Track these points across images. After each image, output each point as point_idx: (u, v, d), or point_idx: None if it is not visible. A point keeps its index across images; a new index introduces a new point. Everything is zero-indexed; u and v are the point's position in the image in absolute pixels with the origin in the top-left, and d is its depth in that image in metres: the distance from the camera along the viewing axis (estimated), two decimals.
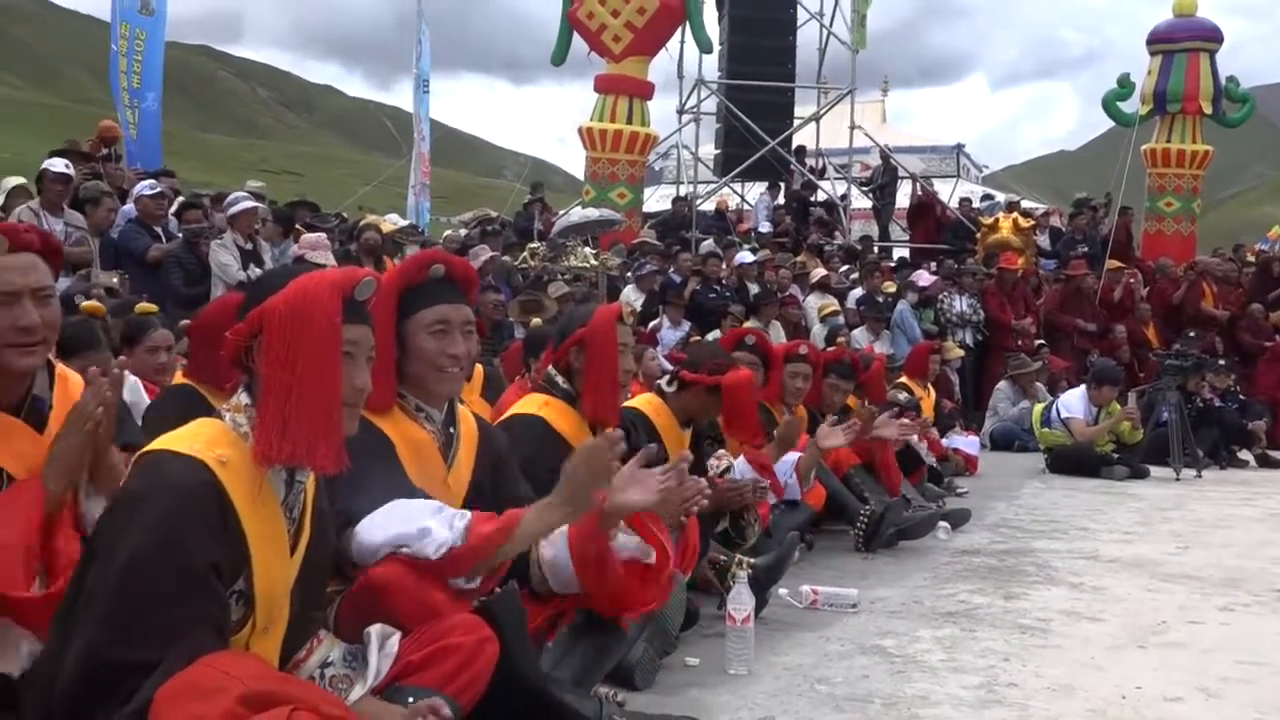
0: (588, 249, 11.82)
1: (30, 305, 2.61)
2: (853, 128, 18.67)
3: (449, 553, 2.58)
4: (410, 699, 2.30)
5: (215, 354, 2.51)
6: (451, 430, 3.10)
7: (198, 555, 2.10)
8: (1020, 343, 12.88)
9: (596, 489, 2.69)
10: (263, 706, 1.95)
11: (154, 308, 5.42)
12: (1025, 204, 19.83)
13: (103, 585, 2.09)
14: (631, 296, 11.58)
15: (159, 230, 9.58)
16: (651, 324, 11.06)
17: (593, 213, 13.09)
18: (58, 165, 8.94)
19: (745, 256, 13.19)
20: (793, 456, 5.53)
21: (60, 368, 2.88)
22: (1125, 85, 17.41)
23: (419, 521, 2.68)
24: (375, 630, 2.31)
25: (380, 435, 2.91)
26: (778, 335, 11.00)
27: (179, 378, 4.39)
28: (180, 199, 10.71)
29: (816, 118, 19.52)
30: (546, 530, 2.76)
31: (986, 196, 20.55)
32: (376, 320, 2.55)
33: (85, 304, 4.60)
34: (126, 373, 3.71)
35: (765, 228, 17.04)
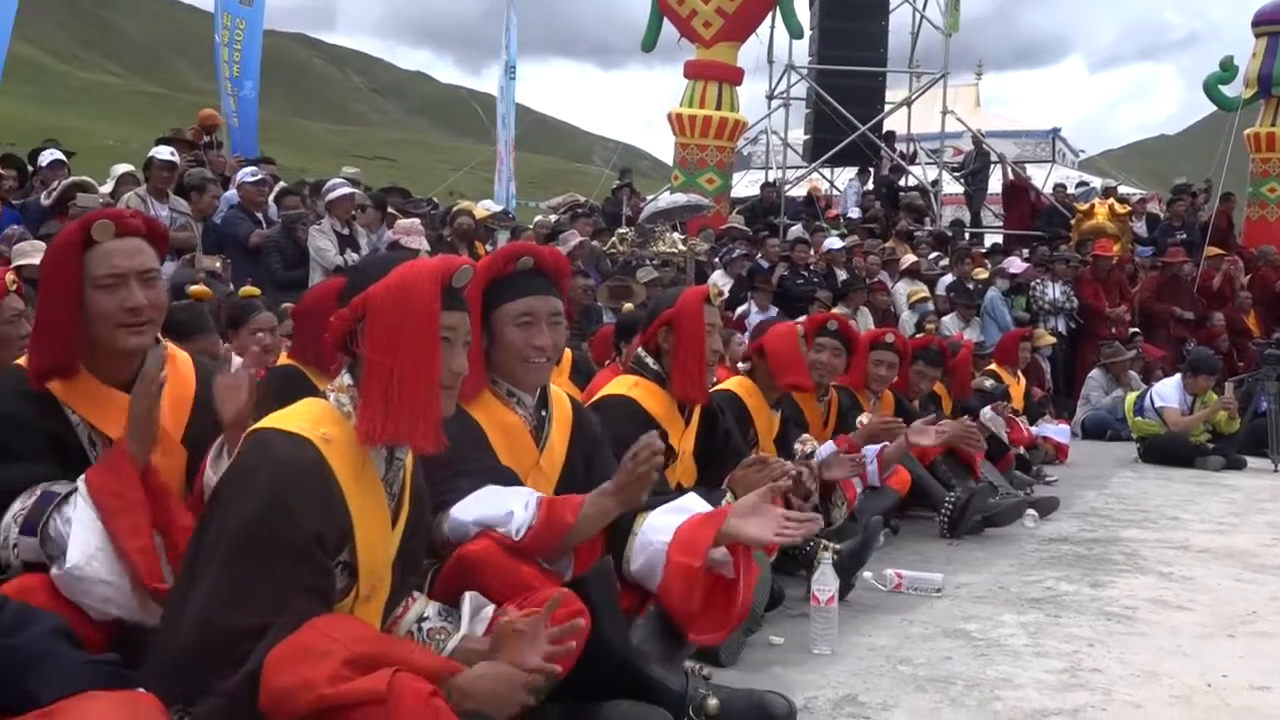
0: (676, 234, 11.90)
1: (137, 287, 2.77)
2: (945, 112, 18.46)
3: (529, 532, 2.69)
4: None
5: (318, 336, 2.64)
6: (544, 413, 3.21)
7: (303, 526, 2.22)
8: (1114, 331, 12.67)
9: (645, 483, 2.81)
10: (368, 669, 2.07)
11: (257, 292, 5.63)
12: (1122, 190, 19.45)
13: (215, 553, 2.22)
14: (719, 281, 11.62)
15: (260, 216, 9.87)
16: (739, 309, 11.11)
17: (681, 198, 13.15)
18: (163, 153, 9.24)
19: (834, 243, 13.15)
20: (874, 447, 5.57)
21: (170, 346, 3.03)
22: (1228, 68, 16.95)
23: (505, 504, 2.81)
24: (470, 595, 2.42)
25: (471, 422, 3.02)
26: (866, 322, 10.98)
27: (283, 359, 4.55)
28: (279, 185, 11.01)
29: (908, 103, 19.35)
30: (604, 519, 2.87)
31: (1082, 183, 20.13)
32: None
33: (193, 289, 4.81)
34: (233, 354, 3.90)
35: (854, 213, 16.97)
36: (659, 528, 3.25)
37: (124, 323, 2.75)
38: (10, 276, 3.62)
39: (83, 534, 2.55)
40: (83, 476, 2.64)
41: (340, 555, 2.33)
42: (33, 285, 3.57)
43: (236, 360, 4.70)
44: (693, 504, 3.24)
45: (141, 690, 2.02)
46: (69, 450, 2.76)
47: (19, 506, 2.63)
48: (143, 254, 2.80)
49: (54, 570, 2.54)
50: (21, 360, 2.87)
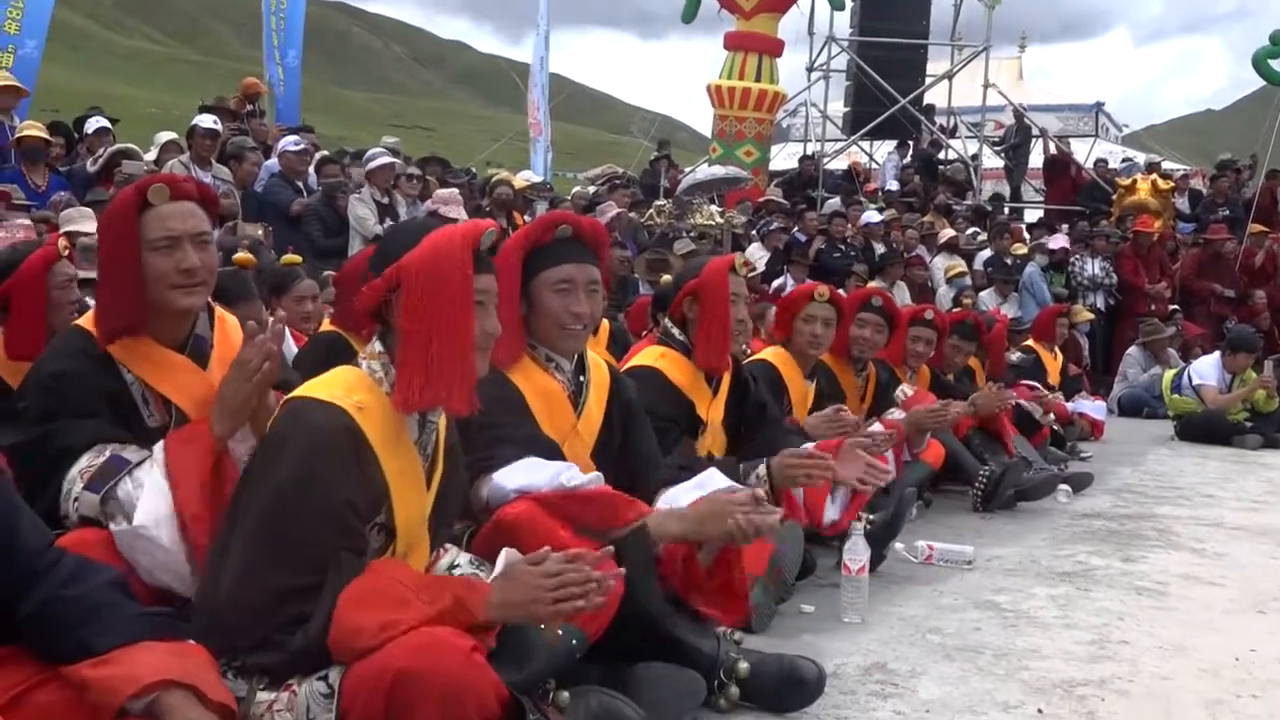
0: (713, 206, 11.90)
1: (191, 249, 2.84)
2: (986, 85, 18.28)
3: (577, 490, 2.75)
4: (540, 625, 2.47)
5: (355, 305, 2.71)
6: (582, 379, 3.27)
7: (335, 492, 2.29)
8: (1154, 308, 12.58)
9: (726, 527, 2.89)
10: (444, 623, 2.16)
11: (299, 260, 5.70)
12: (1166, 165, 19.23)
13: (250, 517, 2.30)
14: (756, 255, 11.63)
15: (300, 185, 9.97)
16: (775, 283, 11.11)
17: (719, 170, 13.13)
18: (206, 121, 9.37)
19: (871, 216, 13.11)
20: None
21: (219, 310, 3.12)
22: (1278, 42, 16.71)
23: (550, 471, 2.87)
24: (507, 550, 2.48)
25: (511, 386, 3.09)
26: (902, 296, 10.96)
27: (326, 325, 4.63)
28: (320, 154, 11.10)
29: (949, 76, 19.17)
30: (666, 538, 2.94)
31: (1126, 159, 19.89)
32: (503, 277, 2.69)
33: (237, 256, 4.89)
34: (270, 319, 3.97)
35: (892, 187, 16.89)
36: (676, 499, 3.31)
37: (178, 284, 2.83)
38: (62, 242, 3.71)
39: (154, 498, 2.63)
40: (160, 444, 2.72)
41: (377, 517, 2.39)
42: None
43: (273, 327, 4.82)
44: (712, 481, 3.28)
45: (192, 642, 2.10)
46: (123, 407, 2.85)
47: (85, 463, 2.71)
48: (196, 217, 2.88)
49: (115, 526, 2.63)
50: (81, 321, 2.96)
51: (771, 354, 5.17)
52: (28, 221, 6.66)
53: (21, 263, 3.47)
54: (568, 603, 2.25)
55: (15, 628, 2.00)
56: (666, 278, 8.16)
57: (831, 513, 4.28)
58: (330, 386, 2.41)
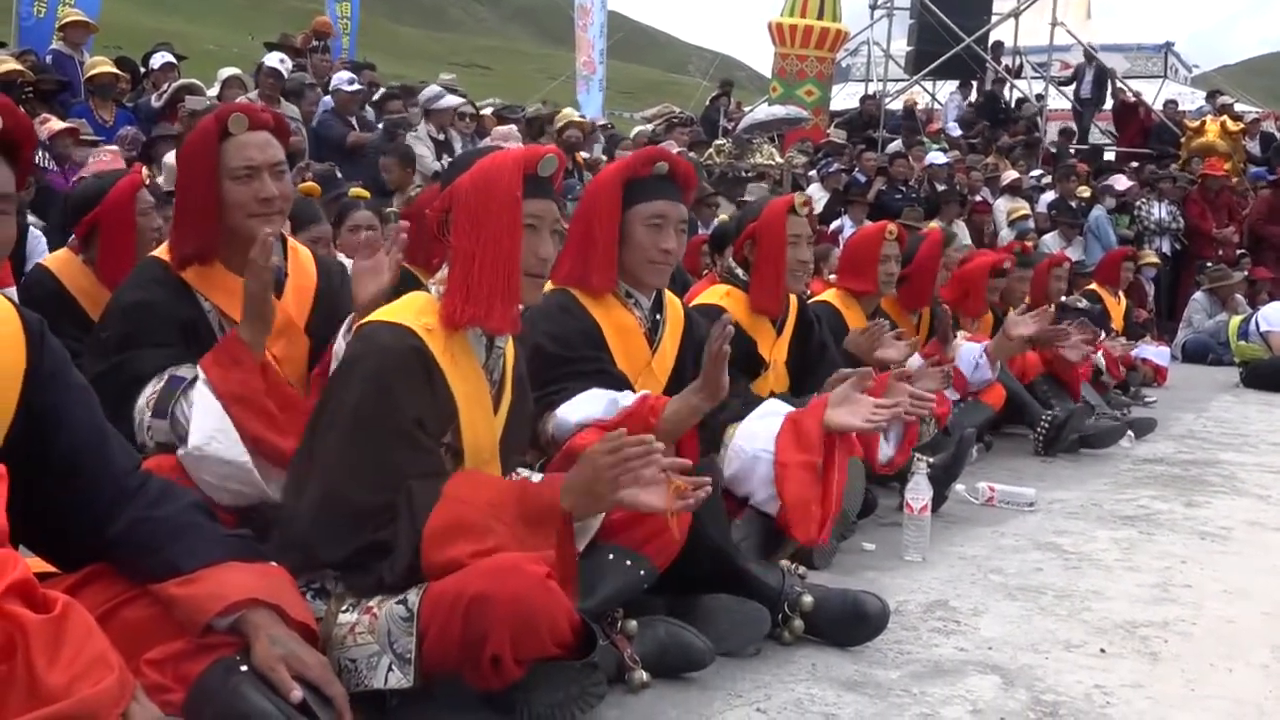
0: (773, 147, 11.80)
1: (269, 178, 2.90)
2: (1054, 24, 17.91)
3: (629, 407, 2.79)
4: (610, 555, 2.51)
5: (423, 237, 2.74)
6: (658, 316, 3.30)
7: (405, 410, 2.33)
8: (1221, 253, 12.35)
9: (722, 367, 2.86)
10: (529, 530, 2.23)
11: (366, 194, 5.77)
12: (1238, 108, 18.75)
13: (329, 437, 2.35)
14: (815, 195, 11.54)
15: (353, 121, 10.04)
16: (833, 224, 11.02)
17: (779, 110, 13.00)
18: (274, 60, 9.45)
19: (936, 157, 12.94)
20: (977, 345, 5.57)
21: (291, 241, 3.17)
22: None
23: (606, 399, 2.91)
24: None
25: (589, 319, 3.12)
26: (962, 236, 10.83)
27: None
28: (382, 90, 11.14)
29: (1016, 14, 18.77)
30: (692, 416, 2.93)
31: (1214, 95, 19.10)
32: (601, 209, 2.71)
33: (303, 185, 4.97)
34: (339, 253, 4.03)
35: (953, 128, 16.64)
36: (752, 434, 3.34)
37: (256, 212, 2.88)
38: (145, 171, 3.78)
39: (202, 416, 2.70)
40: (200, 370, 2.78)
41: (444, 438, 2.43)
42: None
43: (343, 259, 4.88)
44: (778, 407, 3.30)
45: (274, 564, 2.15)
46: (201, 334, 2.91)
47: (150, 390, 2.78)
48: (273, 146, 2.92)
49: (179, 451, 2.70)
50: (157, 251, 3.01)
51: (834, 295, 5.15)
52: (115, 148, 6.79)
53: (109, 190, 3.54)
54: (629, 480, 2.26)
55: (103, 547, 2.06)
56: (723, 216, 8.16)
57: (887, 449, 4.27)
58: (400, 311, 2.46)
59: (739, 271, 4.10)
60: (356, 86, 10.30)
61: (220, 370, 2.76)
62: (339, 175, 7.86)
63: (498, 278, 2.38)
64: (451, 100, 9.85)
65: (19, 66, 8.15)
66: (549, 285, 2.95)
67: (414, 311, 2.45)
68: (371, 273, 2.88)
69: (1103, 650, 3.01)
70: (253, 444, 2.71)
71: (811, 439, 3.16)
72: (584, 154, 10.96)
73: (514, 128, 10.54)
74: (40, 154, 6.80)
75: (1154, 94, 19.77)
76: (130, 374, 2.82)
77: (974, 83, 18.18)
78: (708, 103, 16.60)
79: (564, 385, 2.99)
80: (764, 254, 3.96)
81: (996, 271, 6.17)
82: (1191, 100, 19.47)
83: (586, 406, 2.97)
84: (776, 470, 3.20)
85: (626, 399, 2.96)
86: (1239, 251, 12.44)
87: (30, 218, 5.89)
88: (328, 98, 10.28)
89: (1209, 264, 11.75)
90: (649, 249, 3.15)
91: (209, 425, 2.69)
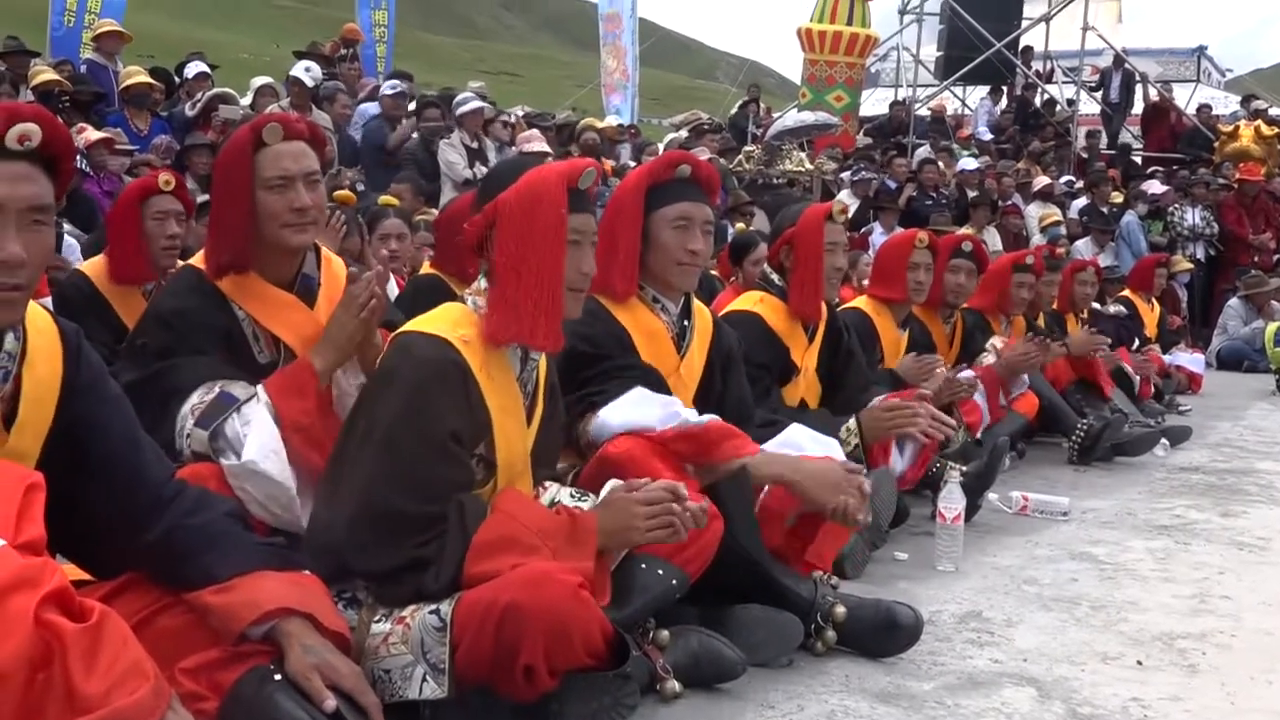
0: (802, 153, 11.78)
1: (303, 189, 2.90)
2: (1085, 29, 17.79)
3: (686, 427, 2.78)
4: (642, 566, 2.50)
5: (457, 245, 2.75)
6: (686, 323, 3.28)
7: (441, 422, 2.34)
8: (1257, 259, 12.23)
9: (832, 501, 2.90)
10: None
11: (396, 202, 5.79)
12: (1273, 112, 18.57)
13: (366, 446, 2.35)
14: (846, 201, 11.50)
15: (401, 126, 10.17)
16: (863, 229, 10.99)
17: (809, 117, 12.99)
18: (298, 70, 9.55)
19: (968, 163, 12.87)
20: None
21: (325, 250, 3.18)
22: None
23: (658, 407, 2.89)
24: (611, 482, 2.52)
25: (617, 325, 3.11)
26: (994, 242, 10.78)
27: (426, 268, 4.69)
28: (417, 98, 11.27)
29: (1046, 19, 18.68)
30: (772, 480, 2.93)
31: (1244, 100, 18.89)
32: (625, 214, 2.70)
33: (338, 193, 4.98)
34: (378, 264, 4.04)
35: (983, 133, 16.54)
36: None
37: (290, 222, 2.88)
38: (164, 176, 3.81)
39: (261, 434, 2.71)
40: (262, 384, 2.80)
41: (478, 449, 2.43)
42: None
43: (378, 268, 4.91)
44: (799, 438, 3.23)
45: (308, 573, 2.16)
46: (235, 342, 2.93)
47: (197, 399, 2.79)
48: (307, 157, 2.93)
49: (225, 461, 2.71)
50: (193, 260, 3.03)
51: (864, 302, 5.13)
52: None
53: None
54: (662, 530, 2.34)
55: (139, 555, 2.07)
56: (740, 225, 8.15)
57: (899, 465, 4.24)
58: (436, 322, 2.46)
59: (774, 277, 4.09)
60: (399, 89, 10.49)
61: (286, 400, 2.78)
62: (361, 187, 7.91)
63: (543, 295, 2.39)
64: (475, 104, 9.91)
65: (57, 76, 8.25)
66: None
67: (450, 323, 2.45)
68: (352, 300, 2.86)
69: (1140, 662, 2.97)
70: (306, 474, 2.73)
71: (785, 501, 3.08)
72: (611, 161, 10.97)
73: (536, 130, 10.62)
74: (79, 160, 6.87)
75: (1187, 98, 19.62)
76: (170, 383, 2.83)
77: (1004, 88, 18.08)
78: (736, 109, 16.56)
79: (603, 386, 2.97)
80: (802, 260, 3.95)
81: (1021, 267, 6.11)
82: (1225, 104, 19.28)
83: (632, 411, 2.93)
84: None
85: (682, 409, 2.94)
86: (1275, 257, 12.32)
87: (67, 226, 5.96)
88: (371, 105, 10.43)
89: (1248, 269, 11.64)
90: (676, 250, 3.14)
91: (268, 444, 2.71)
